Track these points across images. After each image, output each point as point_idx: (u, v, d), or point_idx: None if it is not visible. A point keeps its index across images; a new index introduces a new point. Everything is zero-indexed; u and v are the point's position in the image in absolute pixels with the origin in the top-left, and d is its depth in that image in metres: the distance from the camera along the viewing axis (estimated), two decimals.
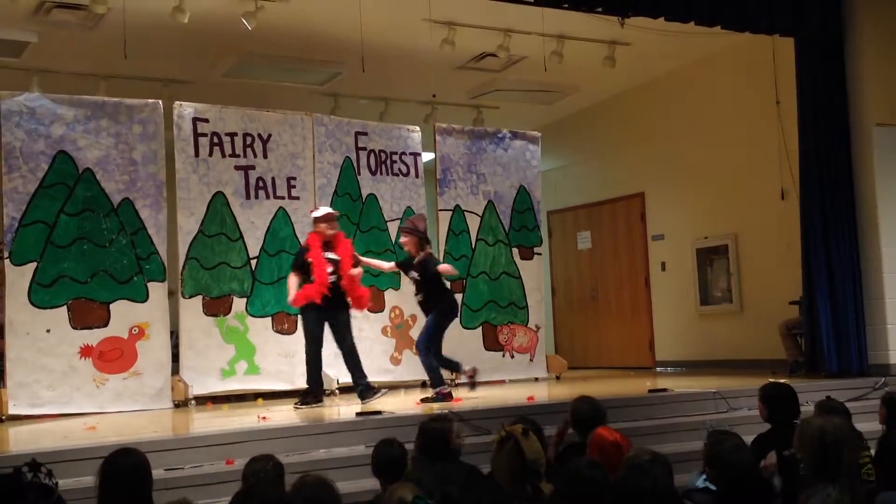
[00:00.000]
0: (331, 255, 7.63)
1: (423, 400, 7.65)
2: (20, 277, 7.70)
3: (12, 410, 7.47)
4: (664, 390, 7.63)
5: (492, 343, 10.07)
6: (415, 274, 7.98)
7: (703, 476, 4.22)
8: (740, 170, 10.49)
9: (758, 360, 9.85)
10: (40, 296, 7.75)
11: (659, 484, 3.42)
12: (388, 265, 8.57)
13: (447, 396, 7.65)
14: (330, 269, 7.57)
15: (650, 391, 7.64)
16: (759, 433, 5.10)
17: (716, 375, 9.27)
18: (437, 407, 6.84)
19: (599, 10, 8.06)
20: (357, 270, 7.71)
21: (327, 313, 7.58)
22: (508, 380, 10.01)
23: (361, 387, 7.68)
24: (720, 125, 10.76)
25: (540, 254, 10.68)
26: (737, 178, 10.54)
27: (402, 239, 8.18)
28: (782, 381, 7.10)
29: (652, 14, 8.14)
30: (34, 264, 7.75)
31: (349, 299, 7.72)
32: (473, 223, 10.10)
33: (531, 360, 10.31)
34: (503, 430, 4.09)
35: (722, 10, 8.25)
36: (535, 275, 10.52)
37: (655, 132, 11.60)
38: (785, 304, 9.39)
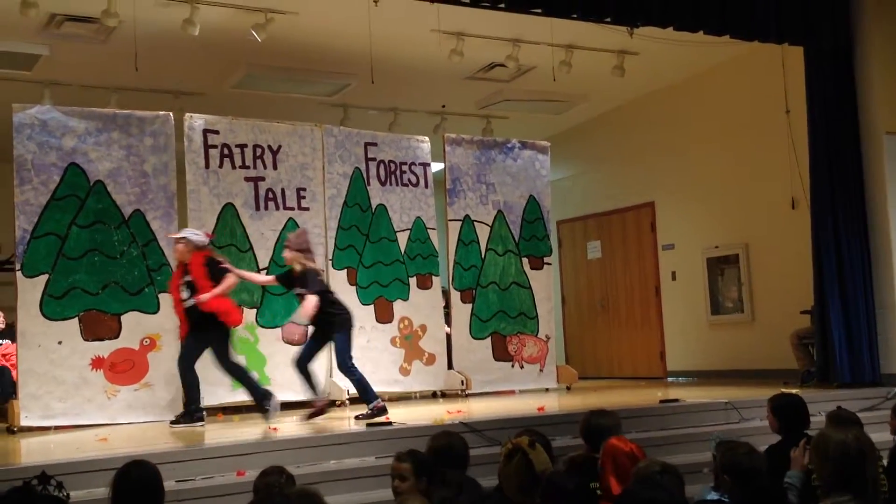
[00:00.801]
0: (188, 279, 7.44)
1: (357, 417, 7.35)
2: (32, 289, 7.72)
3: (24, 422, 7.48)
4: (675, 401, 7.61)
5: (501, 353, 10.06)
6: (298, 289, 7.62)
7: (712, 487, 4.20)
8: (750, 179, 10.48)
9: (769, 370, 9.82)
10: (52, 308, 7.77)
11: (670, 496, 3.40)
12: (263, 279, 8.19)
13: (382, 411, 7.31)
14: (186, 294, 7.41)
15: (661, 401, 7.62)
16: (770, 444, 5.08)
17: (727, 385, 9.24)
18: (447, 418, 6.83)
19: (609, 20, 8.08)
20: (206, 296, 7.30)
21: (197, 335, 7.46)
22: (518, 390, 9.99)
23: (258, 402, 7.45)
24: (730, 134, 10.75)
25: (550, 263, 10.67)
26: (747, 187, 10.53)
27: (284, 254, 7.75)
28: (793, 391, 7.09)
29: (661, 24, 8.15)
30: (46, 276, 7.78)
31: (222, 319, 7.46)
32: (483, 233, 10.10)
33: (541, 370, 10.29)
34: (510, 442, 4.08)
35: (731, 20, 8.25)
36: (544, 285, 10.51)
37: (665, 141, 11.59)
38: (796, 313, 9.37)
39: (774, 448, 4.97)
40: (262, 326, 8.72)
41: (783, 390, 7.04)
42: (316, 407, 7.55)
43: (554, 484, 3.59)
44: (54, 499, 3.17)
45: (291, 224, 8.94)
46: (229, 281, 7.46)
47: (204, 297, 7.31)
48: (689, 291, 11.34)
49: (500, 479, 4.14)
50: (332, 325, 7.51)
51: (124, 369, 7.96)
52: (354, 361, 7.63)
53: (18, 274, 7.72)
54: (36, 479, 3.33)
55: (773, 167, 10.04)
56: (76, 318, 7.84)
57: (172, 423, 7.40)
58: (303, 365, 7.61)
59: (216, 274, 7.42)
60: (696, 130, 11.19)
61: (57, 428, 7.63)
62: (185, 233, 7.61)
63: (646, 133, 11.86)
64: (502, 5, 7.57)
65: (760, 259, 10.50)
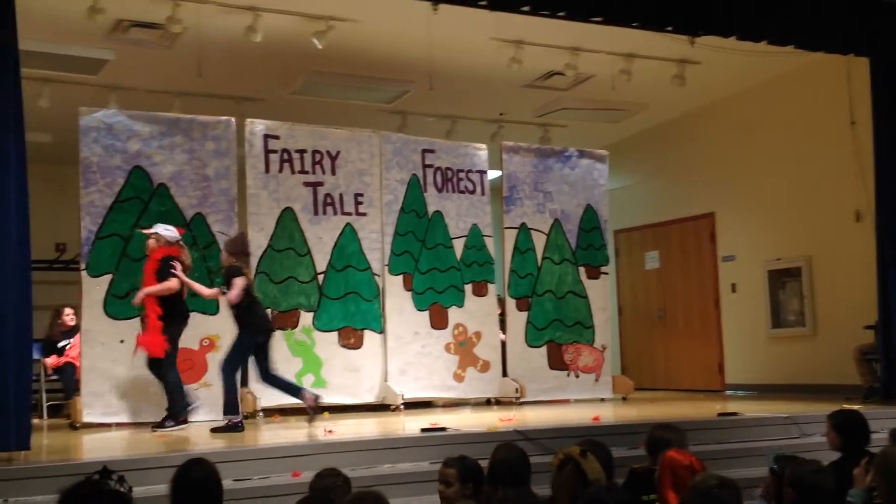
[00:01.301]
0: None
1: (212, 430, 7.10)
2: (96, 289, 7.89)
3: (86, 418, 7.64)
4: (734, 414, 7.49)
5: (556, 362, 10.01)
6: (223, 287, 7.50)
7: (762, 498, 4.13)
8: (813, 191, 10.30)
9: (830, 385, 9.62)
10: (115, 307, 7.93)
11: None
12: (209, 291, 7.81)
13: (237, 427, 7.05)
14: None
15: (719, 415, 7.51)
16: (831, 461, 4.98)
17: (787, 400, 9.08)
18: (500, 426, 6.81)
19: (670, 28, 8.01)
20: (140, 295, 7.31)
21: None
22: (573, 399, 9.93)
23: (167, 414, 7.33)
24: (792, 145, 10.58)
25: (606, 273, 10.60)
26: (810, 199, 10.35)
27: (222, 256, 7.67)
28: (855, 407, 6.95)
29: (723, 33, 8.05)
30: (110, 276, 7.94)
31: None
32: (539, 241, 10.07)
33: (597, 380, 10.22)
34: (561, 452, 4.03)
35: (795, 30, 8.12)
36: (601, 294, 10.44)
37: (726, 152, 11.45)
38: (859, 327, 9.18)
39: (835, 465, 4.87)
40: (319, 330, 8.79)
41: (845, 406, 6.91)
42: (310, 408, 7.38)
43: (595, 499, 3.54)
44: (117, 493, 3.21)
45: (349, 229, 9.01)
46: (167, 284, 7.29)
47: (138, 295, 7.32)
48: (749, 304, 11.17)
49: (553, 490, 4.10)
50: (240, 329, 7.31)
51: (184, 369, 8.05)
52: (240, 372, 7.45)
53: (83, 273, 7.89)
54: (98, 474, 3.39)
55: (837, 179, 9.86)
56: (138, 318, 7.96)
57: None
58: (266, 378, 7.46)
59: (163, 274, 7.33)
60: (758, 141, 11.03)
61: (118, 425, 7.76)
62: (156, 228, 7.54)
63: (706, 143, 11.72)
64: (562, 14, 7.54)
65: (823, 272, 10.31)
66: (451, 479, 4.21)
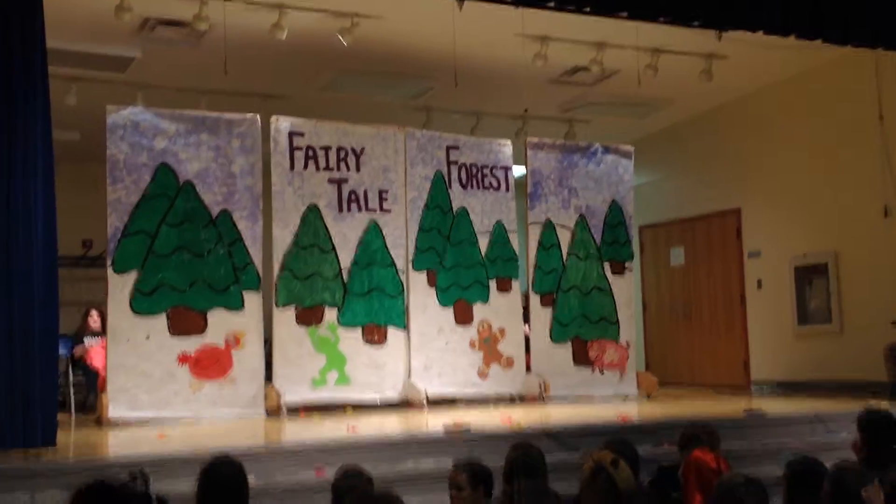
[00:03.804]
0: None
1: None
2: (122, 285, 7.95)
3: (112, 414, 7.69)
4: (760, 412, 7.45)
5: (581, 358, 9.98)
6: None
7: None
8: (841, 186, 10.20)
9: (857, 382, 9.54)
10: (141, 303, 7.98)
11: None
12: None
13: None
14: None
15: (745, 412, 7.46)
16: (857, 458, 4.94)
17: (813, 397, 9.02)
18: (525, 425, 6.80)
19: (697, 23, 7.94)
20: None
21: None
22: (598, 396, 9.89)
23: None
24: (820, 140, 10.48)
25: (631, 269, 10.56)
26: (837, 194, 10.25)
27: None
28: (883, 403, 6.89)
29: (751, 28, 7.97)
30: (136, 273, 8.00)
31: None
32: (564, 237, 10.04)
33: (621, 376, 10.18)
34: (592, 459, 4.00)
35: (823, 24, 8.02)
36: (626, 290, 10.40)
37: (752, 146, 11.36)
38: (887, 324, 9.09)
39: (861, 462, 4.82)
40: (343, 326, 8.81)
41: (871, 403, 6.85)
42: None
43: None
44: (145, 496, 3.25)
45: (373, 226, 9.03)
46: None
47: None
48: (775, 300, 11.08)
49: (581, 495, 4.09)
50: None
51: (209, 365, 8.13)
52: None
53: (109, 270, 7.95)
54: (129, 475, 3.42)
55: (865, 174, 9.75)
56: (164, 314, 8.04)
57: None
58: None
59: None
60: (785, 136, 10.93)
61: (143, 421, 7.81)
62: None
63: (733, 138, 11.63)
64: (588, 9, 7.50)
65: (850, 268, 10.21)
66: (461, 483, 4.22)
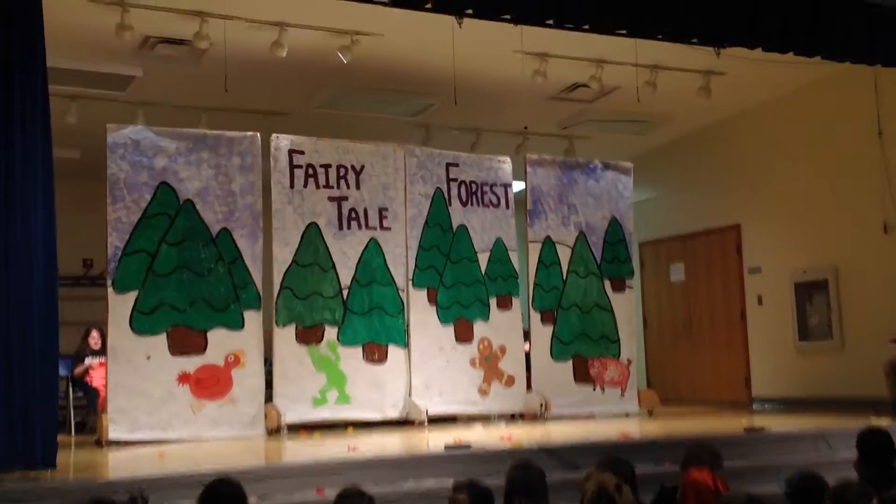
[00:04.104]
0: None
1: None
2: (122, 305, 7.93)
3: (112, 435, 7.66)
4: (761, 429, 7.42)
5: (582, 376, 9.95)
6: None
7: None
8: (840, 202, 10.21)
9: (859, 399, 9.50)
10: (141, 323, 7.97)
11: None
12: None
13: None
14: None
15: (746, 430, 7.44)
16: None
17: (815, 414, 8.98)
18: (525, 443, 6.78)
19: (695, 40, 7.96)
20: None
21: None
22: (599, 414, 9.86)
23: None
24: (819, 156, 10.49)
25: (632, 286, 10.55)
26: (837, 210, 10.26)
27: None
28: (883, 421, 6.86)
29: (749, 44, 7.99)
30: (136, 292, 7.98)
31: None
32: (564, 255, 10.03)
33: (622, 394, 10.15)
34: (594, 481, 3.98)
35: (821, 41, 8.05)
36: (626, 307, 10.39)
37: (752, 163, 11.37)
38: (888, 340, 9.06)
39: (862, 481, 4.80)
40: (344, 345, 8.79)
41: (873, 420, 6.82)
42: None
43: None
44: None
45: (373, 244, 9.02)
46: None
47: None
48: (775, 316, 11.07)
49: None
50: None
51: (210, 385, 8.11)
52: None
53: (109, 290, 7.94)
54: (128, 495, 3.43)
55: (864, 190, 9.76)
56: (164, 334, 8.02)
57: None
58: None
59: None
60: (785, 151, 10.95)
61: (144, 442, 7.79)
62: None
63: (732, 154, 11.65)
64: (587, 27, 7.52)
65: (851, 284, 10.20)
66: (461, 503, 4.19)
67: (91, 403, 9.16)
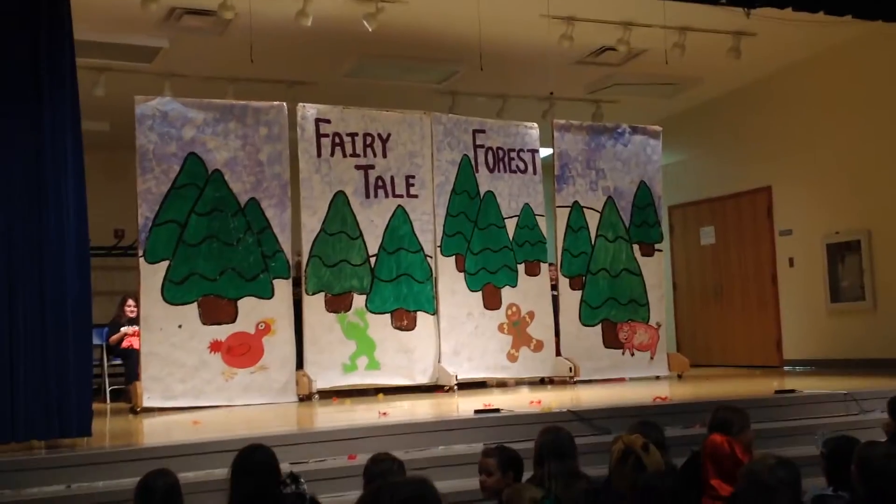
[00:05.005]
0: None
1: None
2: (154, 275, 8.02)
3: (146, 403, 7.78)
4: (792, 391, 7.40)
5: (611, 340, 9.96)
6: None
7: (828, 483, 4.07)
8: (873, 163, 10.08)
9: (891, 360, 9.46)
10: (172, 293, 8.05)
11: (786, 489, 3.30)
12: None
13: None
14: None
15: (777, 392, 7.42)
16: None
17: (847, 376, 8.93)
18: (555, 406, 6.81)
19: (724, 1, 7.87)
20: None
21: None
22: (628, 378, 9.88)
23: None
24: (851, 117, 10.35)
25: (661, 250, 10.50)
26: (870, 171, 10.13)
27: None
28: None
29: (779, 4, 7.89)
30: (167, 262, 8.06)
31: None
32: (592, 219, 10.00)
33: (651, 358, 10.15)
34: (622, 441, 4.01)
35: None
36: (655, 271, 10.35)
37: (783, 124, 11.24)
38: None
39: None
40: (372, 312, 8.84)
41: None
42: None
43: (649, 486, 3.53)
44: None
45: (400, 211, 9.04)
46: None
47: None
48: (807, 278, 10.99)
49: (612, 475, 4.10)
50: None
51: (241, 352, 8.19)
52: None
53: (141, 260, 8.02)
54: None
55: None
56: (195, 303, 8.10)
57: None
58: None
59: None
60: (816, 113, 10.81)
61: (178, 409, 7.90)
62: None
63: (763, 116, 11.52)
64: None
65: (884, 245, 10.10)
66: (491, 468, 4.23)
67: (131, 369, 9.25)
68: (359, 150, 8.94)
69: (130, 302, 9.65)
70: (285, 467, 4.51)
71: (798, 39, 9.78)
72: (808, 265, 10.99)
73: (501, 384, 9.66)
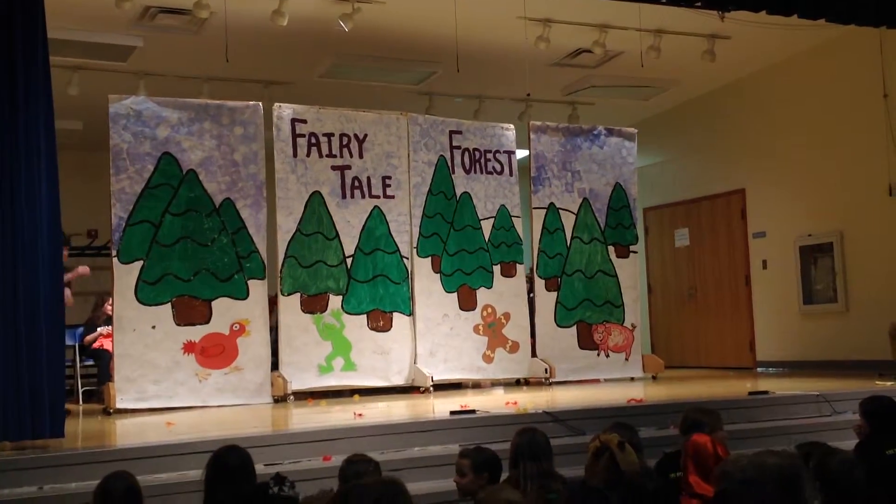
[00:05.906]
0: None
1: None
2: (127, 275, 7.95)
3: (119, 404, 7.71)
4: (765, 392, 7.46)
5: (587, 342, 9.99)
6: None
7: None
8: (845, 165, 10.18)
9: (864, 362, 9.55)
10: (146, 293, 7.99)
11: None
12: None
13: None
14: None
15: (750, 393, 7.48)
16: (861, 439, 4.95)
17: (819, 377, 9.01)
18: (531, 407, 6.82)
19: (699, 4, 7.91)
20: None
21: None
22: (603, 379, 9.92)
23: None
24: (824, 119, 10.45)
25: (636, 252, 10.55)
26: (842, 173, 10.23)
27: None
28: (888, 383, 6.88)
29: (753, 8, 7.94)
30: (140, 262, 8.00)
31: None
32: (568, 221, 10.03)
33: (626, 359, 10.19)
34: (598, 440, 4.03)
35: (826, 3, 7.99)
36: (631, 273, 10.40)
37: (756, 127, 11.33)
38: (893, 303, 9.08)
39: (864, 443, 4.83)
40: (348, 313, 8.82)
41: (877, 383, 6.84)
42: None
43: (635, 485, 3.55)
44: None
45: (377, 212, 9.03)
46: None
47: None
48: (780, 280, 11.09)
49: (587, 474, 4.11)
50: None
51: (215, 353, 8.15)
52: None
53: (114, 260, 7.96)
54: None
55: (870, 153, 9.73)
56: (169, 304, 8.05)
57: None
58: None
59: None
60: (790, 115, 10.90)
61: (151, 410, 7.85)
62: None
63: (737, 118, 11.61)
64: None
65: (855, 247, 10.20)
66: (465, 469, 4.24)
67: (104, 371, 9.17)
68: (335, 150, 8.92)
69: (110, 300, 9.55)
70: (260, 468, 4.49)
71: (772, 42, 9.86)
72: (781, 267, 11.08)
73: (477, 385, 9.67)
